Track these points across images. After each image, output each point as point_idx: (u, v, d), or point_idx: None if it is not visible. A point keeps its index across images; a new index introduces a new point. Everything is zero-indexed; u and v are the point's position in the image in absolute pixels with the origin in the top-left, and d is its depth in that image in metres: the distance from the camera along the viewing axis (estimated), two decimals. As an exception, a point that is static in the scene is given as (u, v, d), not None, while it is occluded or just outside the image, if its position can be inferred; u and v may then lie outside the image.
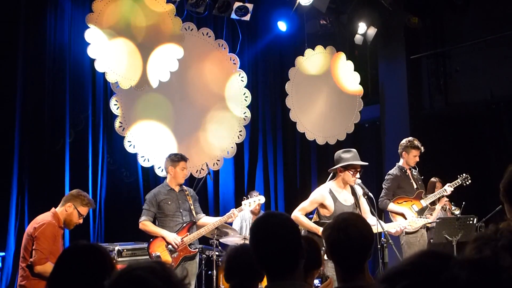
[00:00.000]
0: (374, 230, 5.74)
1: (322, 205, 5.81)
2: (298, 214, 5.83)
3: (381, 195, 6.91)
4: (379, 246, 5.90)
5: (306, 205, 5.90)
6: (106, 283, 1.52)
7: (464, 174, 7.07)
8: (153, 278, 1.46)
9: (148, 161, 7.65)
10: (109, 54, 7.18)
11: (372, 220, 5.94)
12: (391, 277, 1.01)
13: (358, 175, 5.83)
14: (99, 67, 7.14)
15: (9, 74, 7.04)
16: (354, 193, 5.97)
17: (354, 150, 5.95)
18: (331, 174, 6.08)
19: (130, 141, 7.52)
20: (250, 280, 2.91)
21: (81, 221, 5.24)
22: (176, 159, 6.34)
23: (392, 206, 6.76)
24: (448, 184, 7.03)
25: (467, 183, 7.04)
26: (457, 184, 7.00)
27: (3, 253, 6.59)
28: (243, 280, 2.90)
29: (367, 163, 5.96)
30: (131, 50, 7.37)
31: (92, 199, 5.28)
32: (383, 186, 6.96)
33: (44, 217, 5.04)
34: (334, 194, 5.82)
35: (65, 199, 5.16)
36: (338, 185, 5.89)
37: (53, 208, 5.15)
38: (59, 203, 5.18)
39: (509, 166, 2.34)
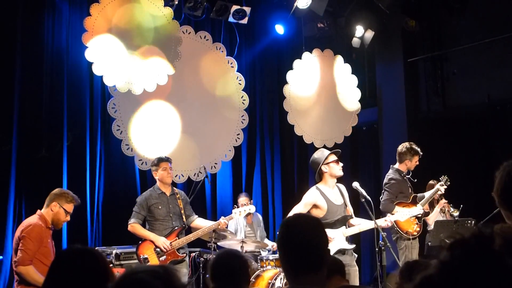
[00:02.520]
0: (370, 225, 5.87)
1: (315, 206, 5.91)
2: None
3: (384, 198, 6.85)
4: (377, 249, 5.90)
5: (300, 208, 5.96)
6: (109, 286, 1.54)
7: (444, 177, 7.07)
8: (155, 281, 1.48)
9: (146, 164, 7.65)
10: (106, 57, 7.18)
11: (356, 221, 6.13)
12: (453, 244, 1.17)
13: (341, 164, 6.04)
14: (96, 70, 7.14)
15: (7, 77, 7.04)
16: (341, 193, 6.11)
17: (322, 148, 6.33)
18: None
19: (127, 145, 7.52)
20: (233, 285, 2.91)
21: (68, 218, 5.24)
22: (156, 162, 6.48)
23: (397, 209, 6.70)
24: (439, 184, 7.04)
25: (448, 184, 7.03)
26: (444, 186, 7.01)
27: (0, 257, 6.58)
28: (226, 284, 2.90)
29: (340, 150, 6.23)
30: (128, 53, 7.36)
31: (75, 196, 5.25)
32: (386, 189, 6.88)
33: (30, 220, 5.06)
34: (325, 194, 5.95)
35: (49, 199, 5.15)
36: (326, 185, 6.01)
37: (38, 210, 5.15)
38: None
39: (496, 174, 2.32)
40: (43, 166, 7.14)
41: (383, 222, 6.06)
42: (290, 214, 5.94)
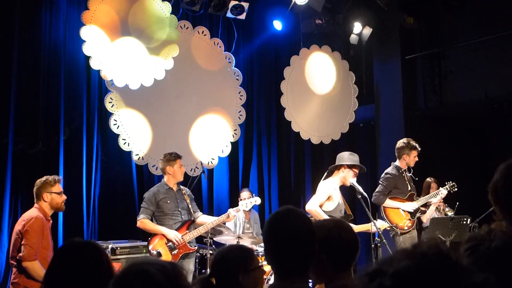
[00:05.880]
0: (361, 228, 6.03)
1: (329, 198, 6.24)
2: (317, 208, 6.15)
3: (376, 190, 6.95)
4: (372, 245, 5.94)
5: (322, 198, 6.27)
6: (116, 273, 1.56)
7: (450, 182, 7.14)
8: (160, 276, 1.48)
9: (143, 159, 7.65)
10: (104, 51, 7.16)
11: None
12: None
13: (355, 179, 6.36)
14: (94, 64, 7.12)
15: (4, 71, 7.01)
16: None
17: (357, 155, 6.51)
18: (327, 172, 6.59)
19: (124, 139, 7.51)
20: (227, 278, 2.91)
21: (64, 196, 5.30)
22: (172, 158, 6.43)
23: (388, 201, 6.82)
24: (442, 188, 7.10)
25: (454, 190, 7.10)
26: (447, 190, 7.07)
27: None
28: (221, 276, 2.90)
29: (365, 170, 6.60)
30: (126, 48, 7.35)
31: (53, 175, 5.29)
32: (380, 182, 6.99)
33: (31, 213, 5.10)
34: (336, 189, 6.33)
35: (37, 193, 5.18)
36: (337, 183, 6.38)
37: (35, 204, 5.17)
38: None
39: (498, 168, 2.35)
40: (39, 160, 7.13)
41: (371, 227, 6.18)
42: (311, 204, 6.23)
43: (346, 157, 6.42)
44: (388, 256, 1.07)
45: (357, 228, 6.21)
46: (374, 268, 1.05)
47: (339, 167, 6.40)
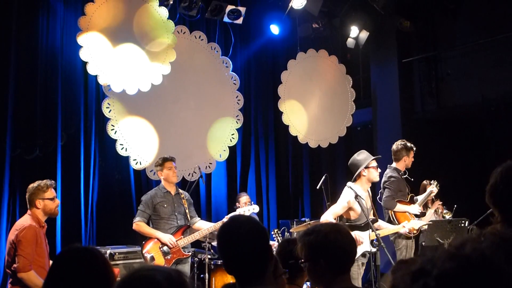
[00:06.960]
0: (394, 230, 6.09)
1: (350, 209, 6.01)
2: (330, 219, 5.93)
3: (385, 195, 6.87)
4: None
5: (338, 210, 6.03)
6: (121, 278, 1.56)
7: (434, 181, 7.13)
8: (165, 283, 1.48)
9: (140, 164, 7.64)
10: (101, 57, 7.16)
11: (380, 224, 6.31)
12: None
13: (379, 170, 6.16)
14: (91, 70, 7.12)
15: (1, 76, 7.02)
16: (369, 195, 6.22)
17: (363, 150, 6.28)
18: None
19: (122, 144, 7.51)
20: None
21: (58, 202, 5.20)
22: (160, 162, 6.51)
23: (399, 206, 6.79)
24: (431, 186, 7.11)
25: (437, 189, 7.10)
26: (436, 188, 7.07)
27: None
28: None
29: (380, 156, 6.42)
30: (123, 53, 7.35)
31: (46, 180, 5.15)
32: (387, 186, 6.90)
33: (23, 222, 5.00)
34: (359, 197, 5.98)
35: (29, 200, 5.07)
36: (361, 188, 6.06)
37: (28, 211, 5.09)
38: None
39: (495, 171, 2.34)
40: (37, 165, 7.12)
41: (401, 228, 6.27)
42: (326, 215, 6.02)
43: (356, 161, 6.14)
44: (430, 255, 1.08)
45: (387, 231, 6.22)
46: (417, 267, 1.06)
47: (358, 174, 6.10)
